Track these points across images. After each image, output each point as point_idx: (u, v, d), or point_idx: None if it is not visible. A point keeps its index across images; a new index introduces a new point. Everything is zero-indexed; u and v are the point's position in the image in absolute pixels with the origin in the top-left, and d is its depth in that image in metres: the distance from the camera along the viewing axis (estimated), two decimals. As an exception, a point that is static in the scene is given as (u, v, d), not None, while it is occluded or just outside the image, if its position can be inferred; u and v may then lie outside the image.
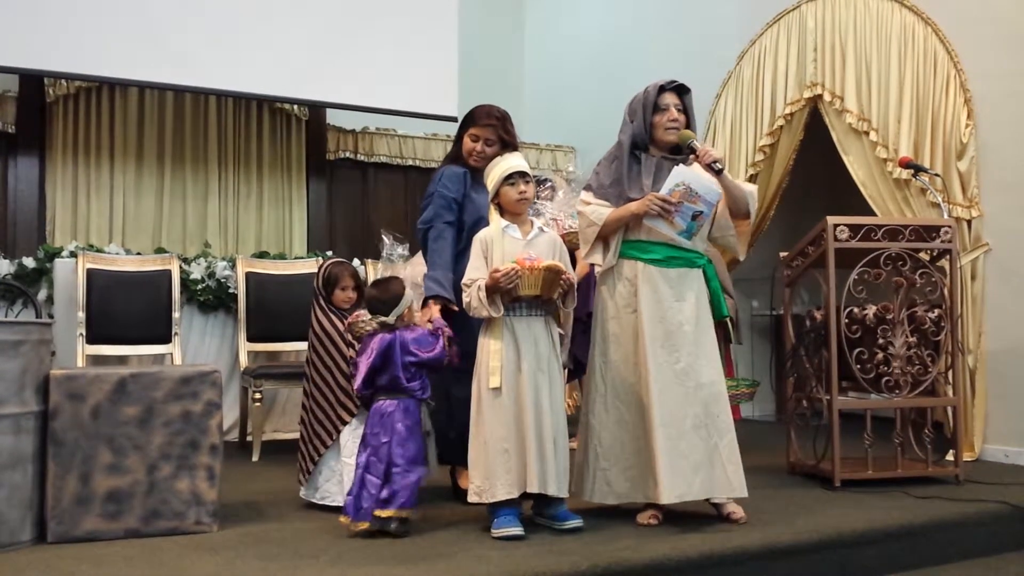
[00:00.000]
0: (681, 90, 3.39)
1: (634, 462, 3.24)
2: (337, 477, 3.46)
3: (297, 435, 3.64)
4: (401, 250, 3.56)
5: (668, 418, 3.16)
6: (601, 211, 3.30)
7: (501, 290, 3.06)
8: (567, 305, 3.23)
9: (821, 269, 3.99)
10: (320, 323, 3.59)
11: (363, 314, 3.55)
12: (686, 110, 3.37)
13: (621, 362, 3.29)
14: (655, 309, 3.23)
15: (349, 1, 6.44)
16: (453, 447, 3.45)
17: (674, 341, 3.22)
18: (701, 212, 3.19)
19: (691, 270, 3.31)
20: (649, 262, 3.27)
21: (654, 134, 3.36)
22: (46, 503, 3.01)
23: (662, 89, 3.37)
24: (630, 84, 7.13)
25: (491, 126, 3.67)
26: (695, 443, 3.17)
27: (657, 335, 3.21)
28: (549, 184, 4.82)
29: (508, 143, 3.66)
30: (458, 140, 3.79)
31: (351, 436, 3.45)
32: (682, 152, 3.35)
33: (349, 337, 3.51)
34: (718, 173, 3.20)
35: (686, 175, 3.16)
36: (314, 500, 3.52)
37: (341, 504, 3.41)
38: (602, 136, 7.36)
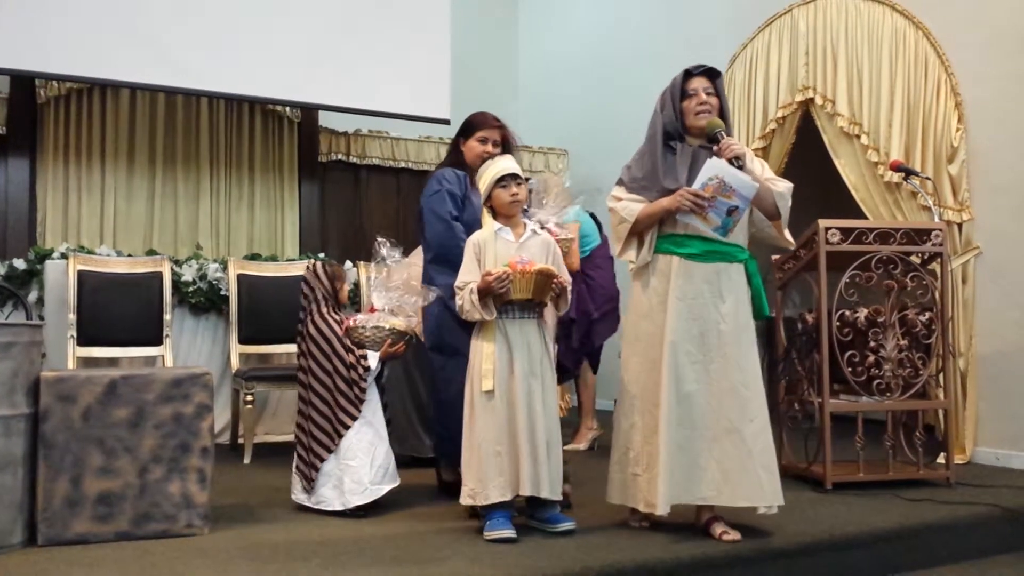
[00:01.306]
0: (711, 74, 3.23)
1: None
2: (334, 482, 3.44)
3: (290, 437, 3.62)
4: (397, 255, 3.55)
5: (696, 420, 3.05)
6: (632, 207, 3.18)
7: (493, 293, 3.06)
8: (560, 308, 3.22)
9: (813, 272, 4.01)
10: (317, 327, 3.55)
11: (359, 318, 3.55)
12: (718, 93, 3.21)
13: (660, 363, 3.11)
14: (688, 305, 3.09)
15: (342, 3, 6.43)
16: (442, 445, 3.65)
17: (709, 340, 3.08)
18: (736, 207, 3.04)
19: (731, 265, 3.14)
20: (685, 257, 3.12)
21: (685, 121, 3.21)
22: (36, 506, 3.00)
23: (688, 74, 3.22)
24: (623, 87, 7.23)
25: (497, 128, 3.79)
26: (727, 448, 3.03)
27: (691, 332, 3.08)
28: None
29: (510, 144, 3.78)
30: (456, 147, 3.86)
31: (355, 438, 3.45)
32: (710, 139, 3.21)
33: (347, 341, 3.50)
34: (739, 169, 3.06)
35: (720, 168, 3.03)
36: (309, 505, 3.48)
37: (338, 508, 3.41)
38: (594, 138, 7.47)
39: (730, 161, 3.06)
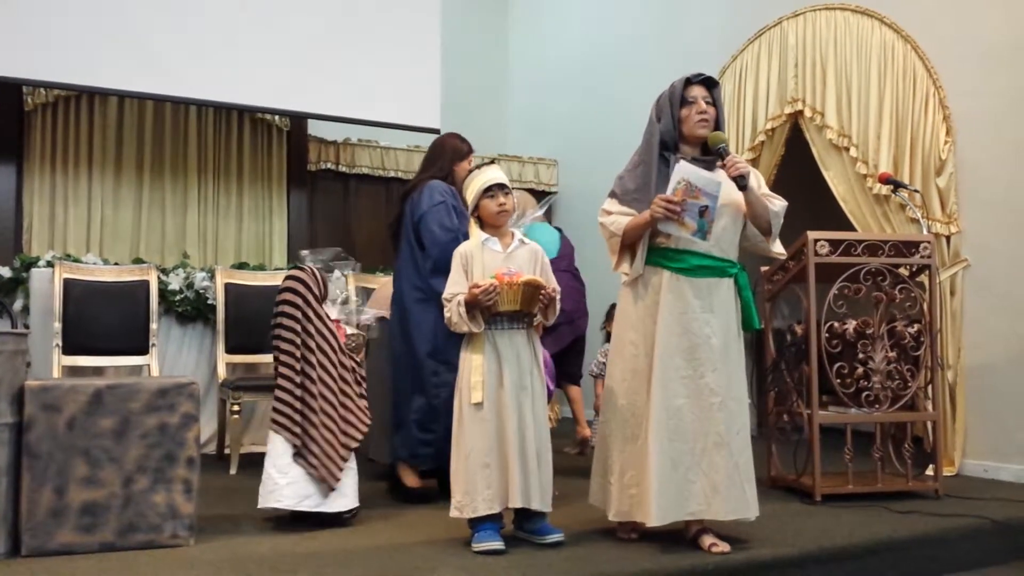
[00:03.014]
0: (710, 83, 3.19)
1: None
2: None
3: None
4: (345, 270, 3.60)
5: (686, 434, 3.02)
6: (620, 221, 3.15)
7: (481, 306, 3.05)
8: (548, 318, 3.20)
9: (802, 284, 4.01)
10: (327, 325, 3.49)
11: (343, 326, 3.54)
12: (715, 103, 3.17)
13: (643, 374, 3.11)
14: (678, 319, 3.05)
15: (332, 12, 6.43)
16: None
17: (699, 354, 3.05)
18: (706, 207, 2.98)
19: (722, 280, 3.12)
20: (676, 271, 3.08)
21: (683, 130, 3.16)
22: (20, 516, 2.96)
23: (688, 82, 3.17)
24: (613, 98, 7.24)
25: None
26: (716, 462, 3.02)
27: (680, 346, 3.05)
28: None
29: None
30: (448, 168, 4.00)
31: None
32: (711, 152, 3.16)
33: (346, 349, 3.51)
34: (742, 189, 3.04)
35: (684, 170, 2.98)
36: (295, 508, 3.41)
37: (338, 510, 3.40)
38: (584, 148, 7.48)
39: (735, 180, 3.04)
